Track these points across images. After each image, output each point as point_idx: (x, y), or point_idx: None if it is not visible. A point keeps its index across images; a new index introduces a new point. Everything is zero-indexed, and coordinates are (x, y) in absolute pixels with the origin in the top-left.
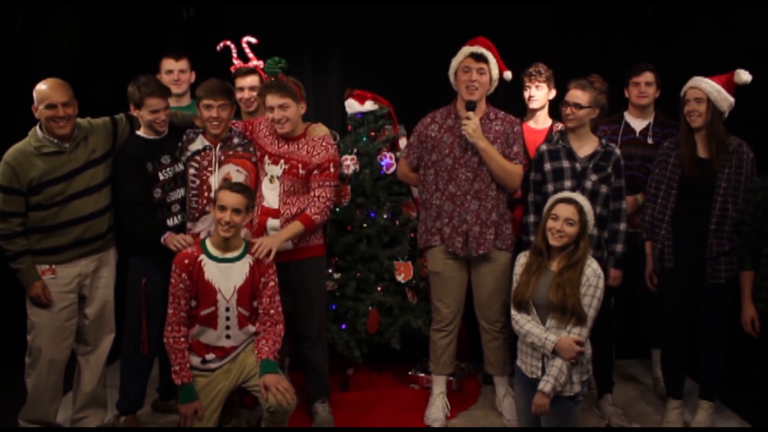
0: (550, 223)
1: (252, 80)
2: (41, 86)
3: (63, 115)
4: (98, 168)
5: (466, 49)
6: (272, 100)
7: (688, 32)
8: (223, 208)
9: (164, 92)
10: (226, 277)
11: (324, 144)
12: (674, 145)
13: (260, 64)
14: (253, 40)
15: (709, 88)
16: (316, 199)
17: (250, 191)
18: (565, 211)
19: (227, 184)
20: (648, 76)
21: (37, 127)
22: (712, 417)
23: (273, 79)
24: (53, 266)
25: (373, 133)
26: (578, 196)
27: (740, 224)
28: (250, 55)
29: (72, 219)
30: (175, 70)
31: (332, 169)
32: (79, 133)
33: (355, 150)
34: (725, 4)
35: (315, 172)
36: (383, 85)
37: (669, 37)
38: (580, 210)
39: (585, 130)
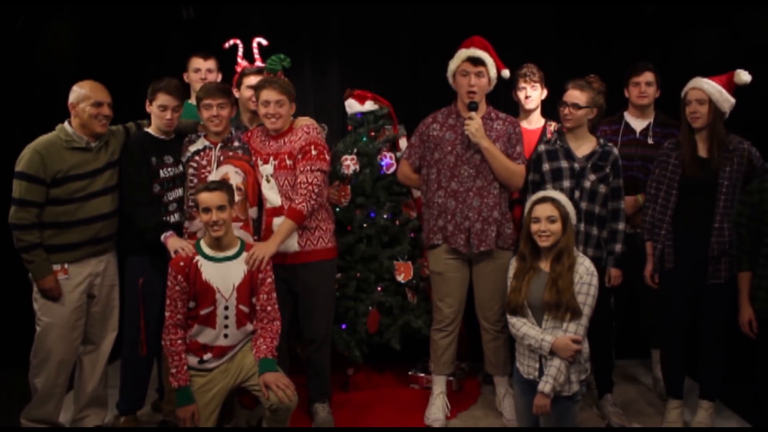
0: (534, 227)
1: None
2: (86, 85)
3: (107, 114)
4: (115, 171)
5: (463, 53)
6: (270, 95)
7: (688, 32)
8: (207, 210)
9: (177, 92)
10: (224, 275)
11: (304, 130)
12: (674, 145)
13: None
14: (264, 41)
15: (710, 89)
16: (299, 186)
17: (227, 185)
18: (543, 210)
19: (203, 186)
20: (648, 76)
21: (66, 123)
22: (712, 417)
23: (272, 75)
24: (65, 266)
25: (373, 133)
26: (551, 192)
27: (737, 226)
28: (257, 56)
29: (90, 217)
30: (202, 69)
31: (314, 152)
32: (104, 136)
33: (355, 150)
34: (725, 4)
35: (298, 157)
36: (383, 85)
37: (669, 37)
38: (558, 204)
39: (583, 130)
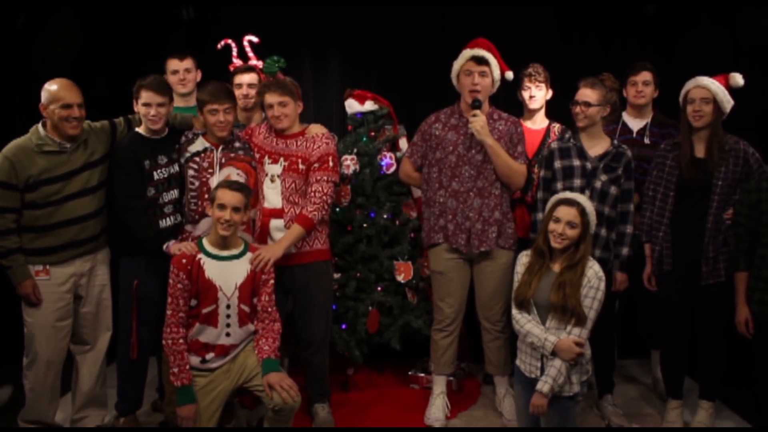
0: (552, 226)
1: (251, 77)
2: (54, 86)
3: (78, 115)
4: (95, 170)
5: (467, 53)
6: (271, 97)
7: (688, 32)
8: (222, 207)
9: (160, 88)
10: (227, 274)
11: (324, 139)
12: (671, 146)
13: (260, 63)
14: (254, 39)
15: (715, 88)
16: (312, 195)
17: (248, 189)
18: (566, 213)
19: (226, 183)
20: (645, 76)
21: (39, 125)
22: (712, 417)
23: (271, 78)
24: (47, 267)
25: (373, 133)
26: (580, 197)
27: (735, 225)
28: (251, 54)
29: (66, 220)
30: (180, 70)
31: (331, 163)
32: (81, 135)
33: (355, 150)
34: (725, 4)
35: (314, 165)
36: (383, 85)
37: (669, 37)
38: (582, 212)
39: (597, 129)
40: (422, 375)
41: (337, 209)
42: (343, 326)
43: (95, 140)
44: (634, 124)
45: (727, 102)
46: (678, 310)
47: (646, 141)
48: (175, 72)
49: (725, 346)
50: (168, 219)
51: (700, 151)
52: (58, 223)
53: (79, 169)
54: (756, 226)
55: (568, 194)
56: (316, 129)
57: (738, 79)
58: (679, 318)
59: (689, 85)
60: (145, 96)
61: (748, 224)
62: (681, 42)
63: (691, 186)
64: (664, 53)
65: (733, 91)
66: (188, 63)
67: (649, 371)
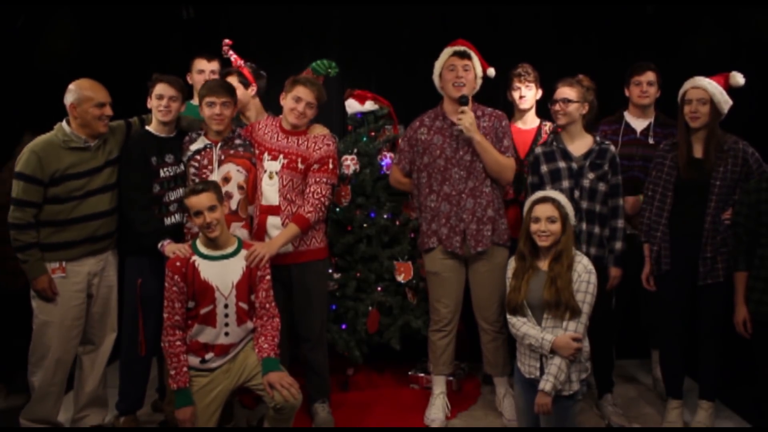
0: (534, 226)
1: (230, 80)
2: (85, 86)
3: (109, 114)
4: (114, 168)
5: (449, 49)
6: (305, 93)
7: (688, 32)
8: (198, 213)
9: (175, 83)
10: (223, 274)
11: (325, 141)
12: (670, 146)
13: (242, 62)
14: (227, 41)
15: (712, 89)
16: (310, 195)
17: (213, 183)
18: (543, 210)
19: (189, 190)
20: (650, 76)
21: (64, 123)
22: (712, 417)
23: (315, 77)
24: (63, 264)
25: (373, 133)
26: (551, 193)
27: (734, 225)
28: (234, 56)
29: (87, 215)
30: (206, 71)
31: (331, 166)
32: (103, 134)
33: (355, 150)
34: (725, 4)
35: (314, 167)
36: (383, 85)
37: (669, 37)
38: (558, 205)
39: (577, 128)
40: (422, 375)
41: (337, 209)
42: (343, 326)
43: (113, 139)
44: (637, 124)
45: (725, 102)
46: (676, 309)
47: (650, 141)
48: (201, 71)
49: (724, 347)
50: (173, 217)
51: (697, 152)
52: (79, 218)
53: (101, 166)
54: (755, 226)
55: (540, 193)
56: (319, 129)
57: (738, 78)
58: (677, 318)
59: (686, 85)
60: (160, 87)
61: (747, 224)
62: (681, 42)
63: (689, 186)
64: (664, 53)
65: (733, 90)
66: (215, 65)
67: (649, 371)
